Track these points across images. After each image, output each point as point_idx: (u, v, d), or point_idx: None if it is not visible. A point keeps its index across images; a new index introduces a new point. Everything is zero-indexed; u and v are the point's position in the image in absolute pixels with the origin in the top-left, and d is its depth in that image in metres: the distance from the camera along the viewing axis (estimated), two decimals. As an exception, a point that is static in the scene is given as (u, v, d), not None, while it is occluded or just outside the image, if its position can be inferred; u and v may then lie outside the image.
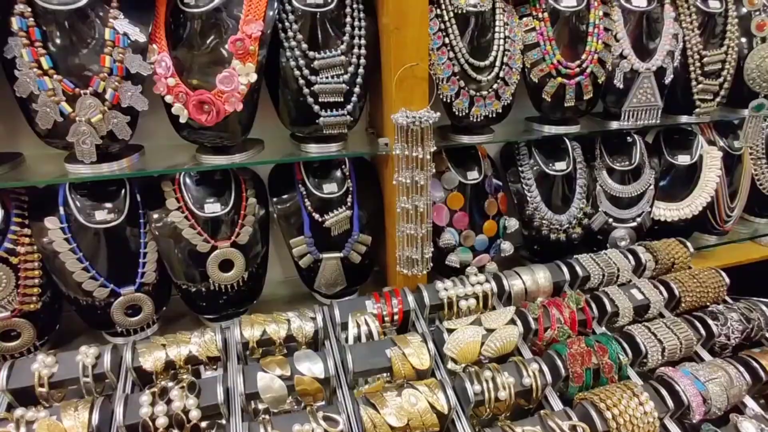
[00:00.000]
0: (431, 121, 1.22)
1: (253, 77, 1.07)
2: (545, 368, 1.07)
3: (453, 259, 1.46)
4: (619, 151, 1.63)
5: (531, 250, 1.62)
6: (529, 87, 1.41)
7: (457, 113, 1.30)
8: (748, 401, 1.15)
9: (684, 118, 1.60)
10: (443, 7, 1.26)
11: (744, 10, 1.58)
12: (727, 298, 1.44)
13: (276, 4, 1.11)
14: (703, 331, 1.27)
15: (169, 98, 1.08)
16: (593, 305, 1.28)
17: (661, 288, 1.36)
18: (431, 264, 1.39)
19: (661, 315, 1.35)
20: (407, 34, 1.16)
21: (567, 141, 1.57)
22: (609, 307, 1.29)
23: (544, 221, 1.52)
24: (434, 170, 1.44)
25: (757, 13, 1.58)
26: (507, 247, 1.54)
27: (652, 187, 1.63)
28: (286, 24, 1.14)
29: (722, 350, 1.31)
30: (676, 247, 1.51)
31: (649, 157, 1.68)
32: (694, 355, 1.26)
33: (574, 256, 1.41)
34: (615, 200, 1.61)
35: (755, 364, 1.19)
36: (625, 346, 1.17)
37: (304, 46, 1.16)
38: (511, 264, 1.47)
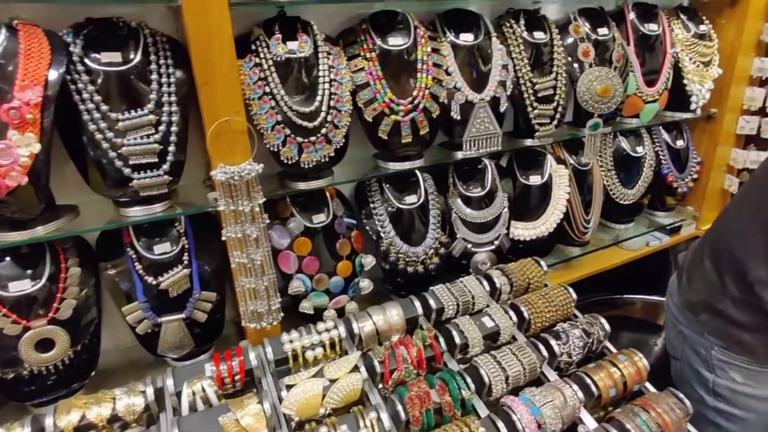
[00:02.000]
0: (253, 173, 1.18)
1: (36, 147, 0.99)
2: (384, 416, 1.06)
3: (306, 306, 1.43)
4: (471, 178, 1.67)
5: (394, 284, 1.62)
6: (366, 126, 1.41)
7: (285, 161, 1.27)
8: (585, 416, 1.20)
9: (528, 142, 1.67)
10: (262, 56, 1.23)
11: (570, 40, 1.68)
12: (577, 313, 1.51)
13: (64, 64, 1.04)
14: (545, 353, 1.31)
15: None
16: (441, 339, 1.29)
17: (511, 312, 1.40)
18: (281, 314, 1.36)
19: (515, 339, 1.38)
20: (217, 88, 1.12)
21: (418, 173, 1.59)
22: (458, 339, 1.30)
23: (400, 255, 1.53)
24: (279, 217, 1.43)
25: (582, 40, 1.68)
26: (366, 284, 1.53)
27: (506, 209, 1.68)
28: (80, 85, 1.07)
29: (568, 367, 1.37)
30: (531, 266, 1.57)
31: (504, 179, 1.74)
32: (542, 376, 1.30)
33: (430, 288, 1.43)
34: (472, 226, 1.64)
35: (588, 381, 1.24)
36: (468, 380, 1.18)
37: (105, 107, 1.08)
38: (379, 299, 1.47)
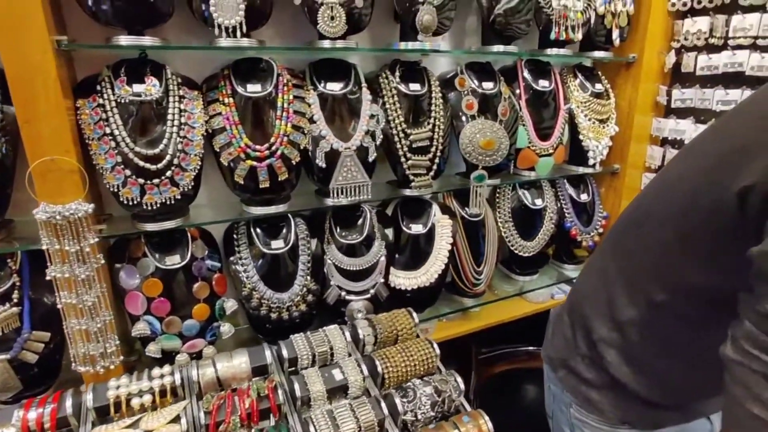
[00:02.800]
0: (81, 213, 1.17)
1: None
2: (189, 475, 1.01)
3: (152, 349, 1.38)
4: (349, 224, 1.66)
5: (263, 330, 1.58)
6: (222, 170, 1.41)
7: (126, 202, 1.26)
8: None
9: (408, 192, 1.67)
10: (105, 96, 1.24)
11: (452, 95, 1.71)
12: (441, 368, 1.47)
13: None
14: (386, 411, 1.27)
15: None
16: (281, 391, 1.25)
17: (363, 366, 1.36)
18: (120, 357, 1.31)
19: (368, 392, 1.34)
20: (41, 127, 1.12)
21: (290, 217, 1.58)
22: (299, 392, 1.26)
23: (263, 301, 1.49)
24: (131, 257, 1.40)
25: (466, 93, 1.71)
26: (226, 329, 1.49)
27: (383, 257, 1.66)
28: None
29: (415, 427, 1.32)
30: (402, 317, 1.53)
31: (387, 227, 1.73)
32: (386, 435, 1.25)
33: (291, 336, 1.39)
34: (346, 273, 1.62)
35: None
36: (295, 437, 1.13)
37: None
38: (249, 343, 1.42)
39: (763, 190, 0.71)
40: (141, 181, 1.26)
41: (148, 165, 1.26)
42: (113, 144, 1.23)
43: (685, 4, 1.96)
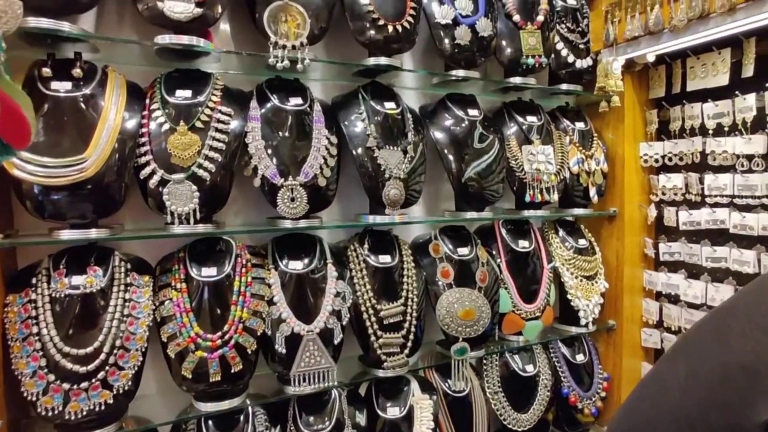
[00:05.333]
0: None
1: None
2: None
3: None
4: (316, 410, 1.46)
5: None
6: (169, 363, 1.26)
7: (44, 413, 1.09)
8: None
9: (380, 372, 1.50)
10: (39, 291, 1.14)
11: (426, 261, 1.63)
12: None
13: None
14: None
15: None
16: None
17: None
18: None
19: None
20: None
21: (249, 408, 1.39)
22: None
23: None
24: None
25: (441, 260, 1.63)
26: None
27: (354, 451, 1.44)
28: None
29: None
30: None
31: (360, 410, 1.54)
32: None
33: None
34: (311, 473, 1.39)
35: None
36: None
37: None
38: None
39: None
40: (66, 386, 1.10)
41: (77, 367, 1.11)
42: (38, 345, 1.10)
43: (657, 161, 1.98)
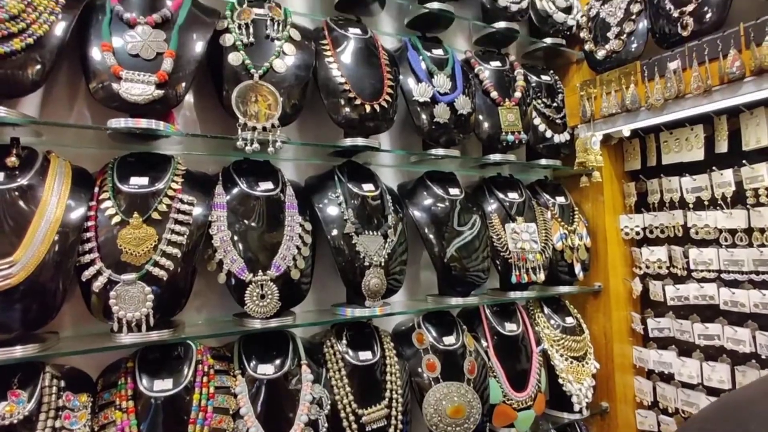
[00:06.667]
0: None
1: None
2: None
3: None
4: None
5: None
6: (109, 503, 1.04)
7: None
8: None
9: (364, 488, 1.31)
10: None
11: (409, 352, 1.49)
12: None
13: None
14: None
15: None
16: None
17: None
18: None
19: None
20: None
21: None
22: None
23: None
24: None
25: (426, 352, 1.49)
26: None
27: None
28: None
29: None
30: None
31: None
32: None
33: None
34: None
35: None
36: None
37: None
38: None
39: None
40: None
41: None
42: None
43: (638, 233, 1.94)
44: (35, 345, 1.00)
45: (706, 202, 1.72)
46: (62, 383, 1.06)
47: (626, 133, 1.83)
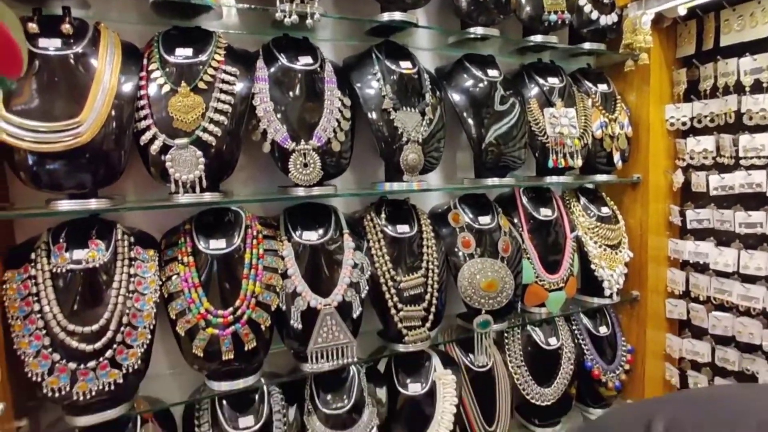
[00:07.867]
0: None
1: None
2: None
3: None
4: (334, 388, 1.40)
5: None
6: (179, 341, 1.19)
7: (51, 394, 1.03)
8: None
9: (401, 347, 1.43)
10: (39, 266, 1.06)
11: (445, 231, 1.55)
12: None
13: None
14: None
15: None
16: None
17: None
18: None
19: None
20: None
21: (264, 387, 1.33)
22: None
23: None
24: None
25: (462, 230, 1.55)
26: None
27: (374, 429, 1.38)
28: None
29: None
30: None
31: (380, 387, 1.47)
32: None
33: None
34: (331, 452, 1.33)
35: None
36: None
37: None
38: None
39: None
40: (72, 366, 1.04)
41: (82, 345, 1.04)
42: (41, 324, 1.03)
43: (684, 124, 1.87)
44: (107, 200, 1.11)
45: (765, 85, 1.63)
46: (132, 239, 1.18)
47: (681, 12, 1.71)
